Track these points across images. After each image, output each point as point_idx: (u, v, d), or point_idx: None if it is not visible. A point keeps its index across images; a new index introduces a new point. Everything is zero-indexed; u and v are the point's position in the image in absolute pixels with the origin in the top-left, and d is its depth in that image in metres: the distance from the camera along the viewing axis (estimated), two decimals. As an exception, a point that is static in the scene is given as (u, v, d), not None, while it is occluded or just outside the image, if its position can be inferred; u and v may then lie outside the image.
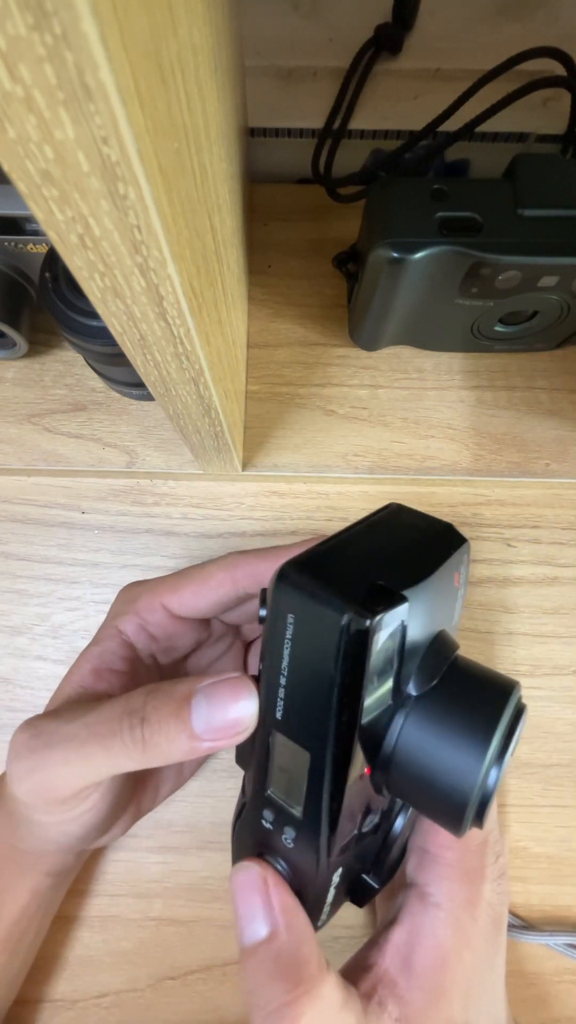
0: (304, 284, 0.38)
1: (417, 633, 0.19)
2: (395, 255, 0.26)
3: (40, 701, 0.33)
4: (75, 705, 0.23)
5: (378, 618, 0.16)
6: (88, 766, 0.20)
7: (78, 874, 0.31)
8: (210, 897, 0.31)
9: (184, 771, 0.31)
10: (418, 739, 0.18)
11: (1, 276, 0.31)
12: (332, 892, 0.21)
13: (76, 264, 0.14)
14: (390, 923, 0.23)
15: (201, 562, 0.27)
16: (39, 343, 0.36)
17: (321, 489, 0.36)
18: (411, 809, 0.23)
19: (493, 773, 0.18)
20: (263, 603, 0.19)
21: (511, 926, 0.31)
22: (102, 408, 0.35)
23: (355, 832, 0.20)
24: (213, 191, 0.19)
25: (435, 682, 0.19)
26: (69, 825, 0.23)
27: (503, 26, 0.32)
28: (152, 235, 0.12)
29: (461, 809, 0.18)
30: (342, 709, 0.17)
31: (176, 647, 0.28)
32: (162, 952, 0.31)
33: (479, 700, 0.19)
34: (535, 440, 0.35)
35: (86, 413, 0.35)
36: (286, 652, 0.18)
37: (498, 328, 0.33)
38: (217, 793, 0.32)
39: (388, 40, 0.32)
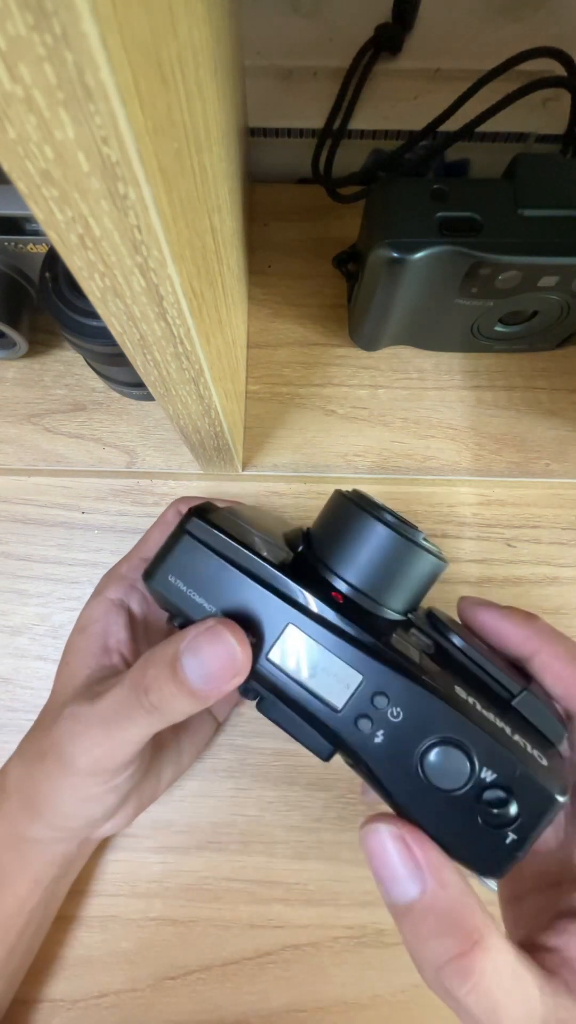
0: (304, 284, 0.38)
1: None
2: (395, 255, 0.26)
3: (40, 701, 0.33)
4: (96, 685, 0.24)
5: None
6: (124, 737, 0.22)
7: (79, 874, 0.31)
8: (210, 897, 0.31)
9: (183, 759, 0.31)
10: None
11: (1, 276, 0.31)
12: None
13: (76, 264, 0.14)
14: (566, 915, 0.20)
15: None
16: (39, 343, 0.36)
17: (321, 489, 0.36)
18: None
19: None
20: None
21: None
22: (102, 408, 0.35)
23: None
24: (213, 191, 0.19)
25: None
26: (109, 795, 0.24)
27: (503, 26, 0.32)
28: (152, 235, 0.12)
29: None
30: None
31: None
32: (162, 952, 0.31)
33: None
34: (535, 440, 0.35)
35: (86, 413, 0.35)
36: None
37: (498, 328, 0.33)
38: (217, 793, 0.32)
39: (388, 40, 0.32)
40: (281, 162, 0.39)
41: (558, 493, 0.36)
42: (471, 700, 0.19)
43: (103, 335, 0.28)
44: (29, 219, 0.29)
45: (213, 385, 0.21)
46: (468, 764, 0.18)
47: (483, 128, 0.30)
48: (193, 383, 0.20)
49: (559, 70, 0.30)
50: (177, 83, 0.12)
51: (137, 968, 0.31)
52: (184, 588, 0.20)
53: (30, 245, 0.30)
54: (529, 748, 0.19)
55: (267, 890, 0.31)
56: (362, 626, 0.20)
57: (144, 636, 0.28)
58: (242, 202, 0.31)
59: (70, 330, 0.28)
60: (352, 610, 0.20)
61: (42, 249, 0.30)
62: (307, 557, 0.22)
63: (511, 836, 0.18)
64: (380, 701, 0.19)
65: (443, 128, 0.32)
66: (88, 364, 0.34)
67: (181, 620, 0.21)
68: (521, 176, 0.27)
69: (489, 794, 0.18)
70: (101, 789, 0.24)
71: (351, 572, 0.21)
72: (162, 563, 0.21)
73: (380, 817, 0.18)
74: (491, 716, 0.19)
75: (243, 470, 0.35)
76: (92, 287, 0.15)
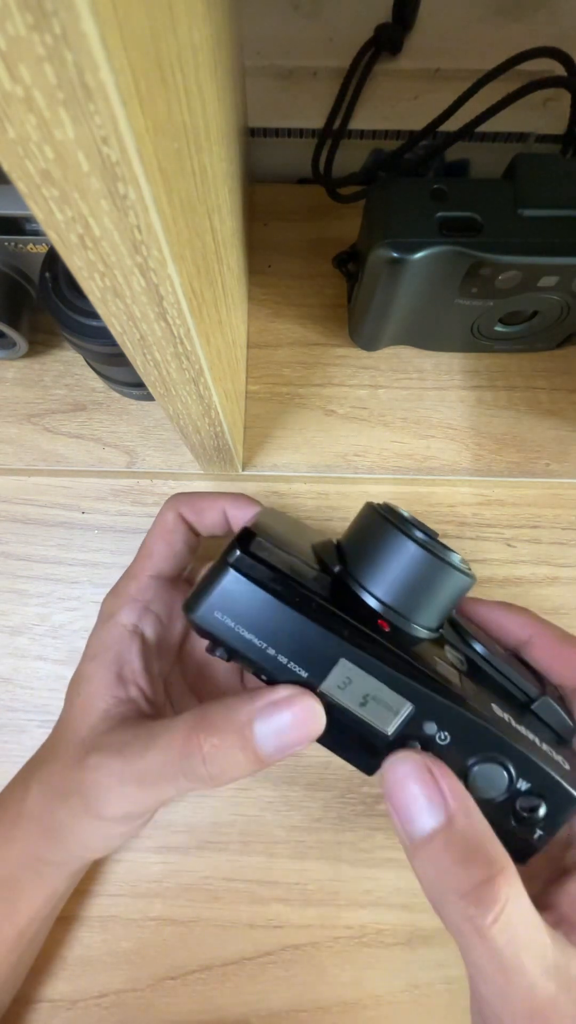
0: (304, 284, 0.38)
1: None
2: (395, 255, 0.26)
3: (40, 701, 0.33)
4: (124, 732, 0.23)
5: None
6: (163, 796, 0.22)
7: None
8: (210, 897, 0.31)
9: None
10: None
11: (1, 276, 0.31)
12: None
13: (76, 264, 0.14)
14: (566, 874, 0.21)
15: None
16: (39, 343, 0.36)
17: (321, 489, 0.36)
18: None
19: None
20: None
21: None
22: (102, 408, 0.35)
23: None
24: (213, 191, 0.19)
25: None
26: (134, 832, 0.25)
27: (503, 26, 0.32)
28: (152, 235, 0.12)
29: None
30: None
31: (176, 621, 0.28)
32: (162, 952, 0.31)
33: None
34: (535, 440, 0.35)
35: (86, 413, 0.35)
36: None
37: (498, 328, 0.33)
38: (217, 793, 0.32)
39: (388, 40, 0.32)
40: (281, 162, 0.39)
41: (558, 493, 0.36)
42: (506, 717, 0.21)
43: (103, 335, 0.28)
44: (29, 219, 0.29)
45: (213, 385, 0.21)
46: (507, 777, 0.20)
47: (483, 128, 0.30)
48: (193, 383, 0.20)
49: (559, 70, 0.30)
50: (177, 83, 0.12)
51: (137, 968, 0.31)
52: (231, 624, 0.20)
53: (30, 245, 0.30)
54: (554, 754, 0.21)
55: (267, 890, 0.31)
56: (408, 653, 0.20)
57: (157, 660, 0.27)
58: (242, 202, 0.31)
59: (70, 330, 0.28)
60: (397, 637, 0.21)
61: (42, 249, 0.30)
62: (344, 578, 0.22)
63: (539, 832, 0.20)
64: (429, 727, 0.20)
65: (443, 128, 0.32)
66: (88, 364, 0.34)
67: (225, 652, 0.21)
68: (521, 176, 0.27)
69: (522, 801, 0.20)
70: (125, 830, 0.24)
71: (391, 595, 0.21)
72: (206, 597, 0.20)
73: (405, 753, 0.19)
74: (523, 730, 0.21)
75: (243, 470, 0.35)
76: (92, 287, 0.15)
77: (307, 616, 0.20)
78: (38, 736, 0.27)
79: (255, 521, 0.23)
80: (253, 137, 0.37)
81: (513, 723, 0.21)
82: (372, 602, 0.21)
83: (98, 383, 0.36)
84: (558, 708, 0.22)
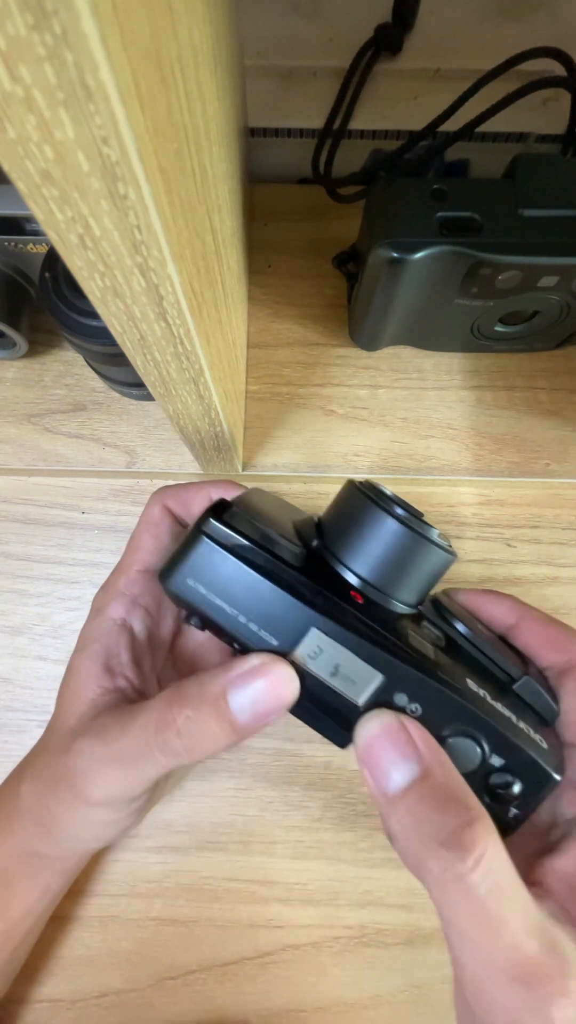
0: (304, 284, 0.38)
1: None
2: (395, 255, 0.26)
3: (40, 701, 0.33)
4: (107, 716, 0.23)
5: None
6: (147, 775, 0.21)
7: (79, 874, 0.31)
8: (210, 897, 0.31)
9: (176, 772, 0.31)
10: None
11: (1, 276, 0.31)
12: None
13: (76, 264, 0.14)
14: (550, 852, 0.20)
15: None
16: (39, 343, 0.36)
17: (321, 489, 0.36)
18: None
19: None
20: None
21: None
22: (102, 408, 0.35)
23: None
24: (213, 191, 0.19)
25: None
26: (123, 822, 0.24)
27: (503, 26, 0.32)
28: (152, 235, 0.12)
29: None
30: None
31: (166, 616, 0.28)
32: (162, 952, 0.31)
33: None
34: (535, 440, 0.35)
35: (86, 413, 0.35)
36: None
37: (498, 328, 0.33)
38: (217, 793, 0.32)
39: (388, 40, 0.32)
40: (281, 162, 0.39)
41: (558, 493, 0.36)
42: (481, 692, 0.20)
43: (103, 335, 0.28)
44: (29, 219, 0.29)
45: (213, 385, 0.21)
46: (479, 751, 0.19)
47: (483, 128, 0.30)
48: (193, 383, 0.21)
49: (559, 70, 0.30)
50: (177, 83, 0.12)
51: (137, 968, 0.31)
52: (203, 591, 0.20)
53: (30, 245, 0.30)
54: (532, 732, 0.20)
55: (267, 890, 0.31)
56: (381, 625, 0.20)
57: (147, 653, 0.27)
58: (242, 202, 0.31)
59: (70, 330, 0.28)
60: (370, 609, 0.21)
61: (42, 249, 0.30)
62: (321, 552, 0.22)
63: (513, 811, 0.20)
64: (400, 698, 0.20)
65: (443, 128, 0.32)
66: (88, 364, 0.34)
67: (199, 621, 0.21)
68: (521, 176, 0.27)
69: (496, 777, 0.20)
70: (116, 816, 0.24)
71: (368, 569, 0.21)
72: (179, 565, 0.20)
73: (378, 711, 0.19)
74: (499, 706, 0.20)
75: (243, 470, 0.35)
76: (92, 287, 0.15)
77: (278, 585, 0.20)
78: (38, 736, 0.27)
79: (237, 497, 0.23)
80: (253, 137, 0.37)
81: (489, 699, 0.20)
82: (349, 576, 0.21)
83: (98, 383, 0.36)
84: (541, 689, 0.22)
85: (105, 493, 0.36)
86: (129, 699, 0.25)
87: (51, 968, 0.31)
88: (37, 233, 0.30)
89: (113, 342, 0.19)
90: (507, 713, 0.20)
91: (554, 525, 0.36)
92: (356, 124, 0.35)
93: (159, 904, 0.31)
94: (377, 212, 0.28)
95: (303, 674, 0.20)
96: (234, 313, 0.28)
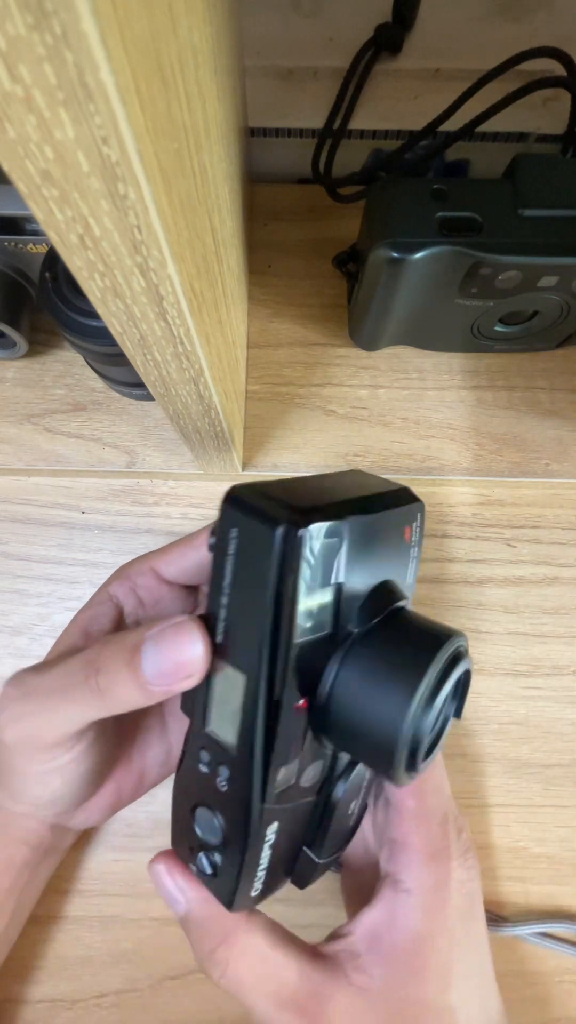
0: (304, 284, 0.38)
1: (360, 576, 0.19)
2: (395, 255, 0.26)
3: (40, 701, 0.33)
4: (56, 659, 0.23)
5: (314, 526, 0.17)
6: (60, 715, 0.21)
7: (79, 874, 0.31)
8: (210, 897, 0.31)
9: (171, 759, 0.30)
10: (355, 677, 0.18)
11: (1, 276, 0.31)
12: (267, 853, 0.20)
13: (76, 264, 0.14)
14: (368, 905, 0.24)
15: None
16: (39, 343, 0.36)
17: (321, 489, 0.36)
18: (363, 782, 0.23)
19: (427, 716, 0.18)
20: (213, 533, 0.19)
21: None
22: (102, 408, 0.35)
23: (293, 781, 0.20)
24: (213, 191, 0.19)
25: (375, 622, 0.19)
26: (51, 776, 0.24)
27: (503, 26, 0.32)
28: (152, 235, 0.12)
29: (390, 750, 0.18)
30: (278, 621, 0.17)
31: (163, 615, 0.28)
32: (162, 952, 0.31)
33: (417, 643, 0.19)
34: (535, 440, 0.35)
35: (86, 413, 0.35)
36: (228, 569, 0.18)
37: (498, 328, 0.33)
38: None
39: (388, 40, 0.32)
40: (281, 162, 0.39)
41: (558, 493, 0.36)
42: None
43: (103, 335, 0.28)
44: (29, 219, 0.29)
45: (213, 385, 0.21)
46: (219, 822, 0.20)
47: (483, 128, 0.30)
48: (193, 383, 0.21)
49: (559, 70, 0.30)
50: (177, 83, 0.12)
51: (137, 968, 0.31)
52: (230, 555, 0.18)
53: (30, 245, 0.30)
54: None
55: (267, 890, 0.31)
56: (279, 723, 0.18)
57: None
58: (242, 202, 0.31)
59: (70, 330, 0.28)
60: (302, 718, 0.19)
61: (42, 249, 0.30)
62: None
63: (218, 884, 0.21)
64: (223, 770, 0.20)
65: (443, 128, 0.32)
66: (88, 364, 0.34)
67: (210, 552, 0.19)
68: (521, 176, 0.27)
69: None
70: (37, 769, 0.23)
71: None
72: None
73: (158, 856, 0.23)
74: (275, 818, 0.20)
75: (243, 470, 0.35)
76: (92, 287, 0.15)
77: (274, 628, 0.18)
78: (38, 736, 0.27)
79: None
80: (253, 137, 0.37)
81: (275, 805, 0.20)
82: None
83: (98, 383, 0.36)
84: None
85: (105, 493, 0.36)
86: None
87: (51, 968, 0.31)
88: (37, 233, 0.30)
89: (113, 342, 0.19)
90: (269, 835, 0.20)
91: (554, 525, 0.36)
92: (356, 124, 0.35)
93: (159, 904, 0.31)
94: (377, 212, 0.28)
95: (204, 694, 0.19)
96: (234, 313, 0.28)
